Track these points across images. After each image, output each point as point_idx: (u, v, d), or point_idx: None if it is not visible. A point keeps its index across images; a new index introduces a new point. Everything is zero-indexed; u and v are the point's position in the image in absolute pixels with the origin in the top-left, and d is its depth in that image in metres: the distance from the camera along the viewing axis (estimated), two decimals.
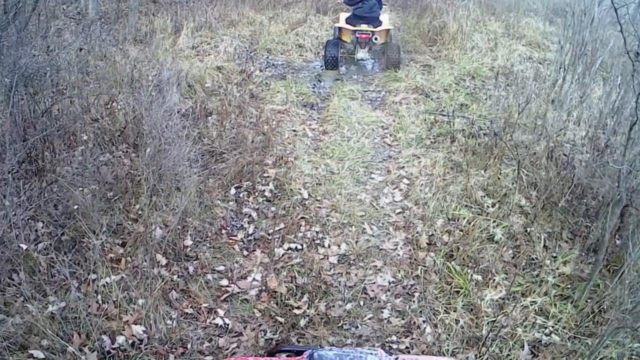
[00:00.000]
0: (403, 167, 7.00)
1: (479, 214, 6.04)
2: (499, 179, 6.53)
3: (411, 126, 7.95)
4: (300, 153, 7.15)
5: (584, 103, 8.22)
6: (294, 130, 7.71)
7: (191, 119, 7.53)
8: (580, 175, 6.20)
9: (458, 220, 5.97)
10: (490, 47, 11.18)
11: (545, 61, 10.70)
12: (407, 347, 4.59)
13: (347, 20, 10.16)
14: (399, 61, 10.22)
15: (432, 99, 8.87)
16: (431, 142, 7.58)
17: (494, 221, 5.89)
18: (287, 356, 2.62)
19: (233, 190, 6.34)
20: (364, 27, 10.07)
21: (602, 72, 9.26)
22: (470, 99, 8.91)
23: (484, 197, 6.30)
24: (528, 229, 5.82)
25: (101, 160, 6.23)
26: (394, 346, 4.63)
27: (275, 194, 6.37)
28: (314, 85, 9.58)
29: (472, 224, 5.83)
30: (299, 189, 6.40)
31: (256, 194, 6.36)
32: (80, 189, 5.56)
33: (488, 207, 6.16)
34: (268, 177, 6.59)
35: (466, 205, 6.18)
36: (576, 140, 7.16)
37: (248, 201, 6.24)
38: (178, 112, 7.61)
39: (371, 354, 1.99)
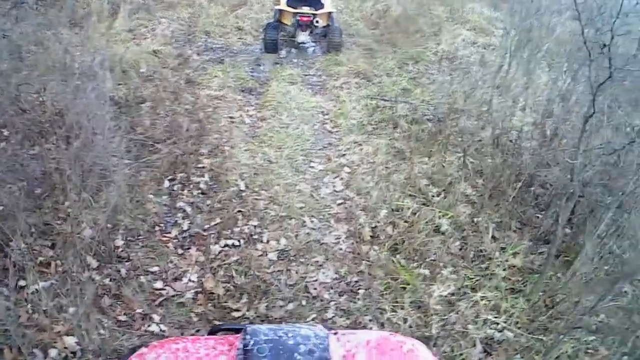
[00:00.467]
0: (344, 154, 6.65)
1: (424, 204, 5.78)
2: (443, 167, 6.25)
3: (352, 112, 7.59)
4: (237, 141, 6.73)
5: (529, 89, 7.95)
6: (231, 117, 7.26)
7: (124, 106, 7.01)
8: (528, 163, 5.95)
9: (402, 210, 5.69)
10: (434, 31, 10.86)
11: (489, 46, 10.43)
12: None
13: (288, 3, 9.65)
14: (341, 44, 9.80)
15: (374, 84, 8.53)
16: (373, 128, 7.25)
17: (440, 211, 5.64)
18: (226, 334, 2.48)
19: (167, 183, 5.91)
20: (305, 9, 9.58)
21: (547, 59, 8.98)
22: (413, 83, 8.59)
23: (429, 185, 6.04)
24: (475, 219, 5.61)
25: (31, 154, 5.78)
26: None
27: (210, 186, 5.96)
28: (253, 69, 9.11)
29: (416, 214, 5.58)
30: (236, 180, 6.00)
31: (191, 186, 5.94)
32: (9, 186, 5.14)
33: (433, 196, 5.91)
34: (203, 167, 6.16)
35: (410, 195, 5.90)
36: (522, 127, 6.89)
37: (182, 194, 5.81)
38: (111, 99, 7.08)
39: (308, 328, 1.97)
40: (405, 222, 5.53)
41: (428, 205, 5.76)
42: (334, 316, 4.57)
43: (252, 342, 1.95)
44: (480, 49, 10.17)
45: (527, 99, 7.69)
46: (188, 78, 8.29)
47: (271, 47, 9.71)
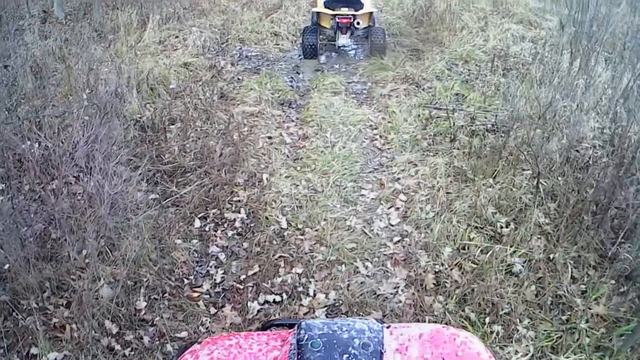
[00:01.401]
0: (398, 178, 5.59)
1: (492, 238, 4.75)
2: (511, 189, 5.15)
3: (404, 124, 6.51)
4: (277, 166, 5.72)
5: (591, 88, 6.79)
6: (269, 137, 6.25)
7: (150, 130, 6.07)
8: (601, 180, 4.87)
9: (469, 248, 4.61)
10: (481, 26, 9.67)
11: (540, 40, 9.21)
12: None
13: (326, 4, 8.59)
14: (385, 47, 8.68)
15: (424, 90, 7.42)
16: (428, 143, 6.16)
17: (511, 246, 4.59)
18: (279, 330, 2.34)
19: (197, 223, 4.96)
20: (344, 10, 8.51)
21: (604, 54, 7.80)
22: (466, 87, 7.48)
23: (496, 214, 5.00)
24: (551, 255, 4.53)
25: (50, 190, 4.82)
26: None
27: (247, 224, 4.99)
28: (292, 78, 8.10)
29: (485, 252, 4.50)
30: (276, 217, 5.01)
31: (225, 225, 4.97)
32: (25, 228, 4.38)
33: (502, 227, 4.87)
34: (239, 201, 5.19)
35: (476, 227, 4.86)
36: (588, 135, 5.76)
37: (215, 236, 4.85)
38: (136, 122, 6.15)
39: (362, 322, 1.86)
40: (474, 263, 4.49)
41: (497, 240, 4.74)
42: None
43: (306, 337, 1.81)
44: (531, 45, 8.94)
45: (589, 100, 6.57)
46: (221, 92, 7.33)
47: (310, 52, 8.70)
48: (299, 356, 1.78)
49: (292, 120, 6.80)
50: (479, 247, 4.60)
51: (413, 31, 9.84)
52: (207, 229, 4.94)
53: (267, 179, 5.45)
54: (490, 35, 9.29)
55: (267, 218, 4.98)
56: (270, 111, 6.83)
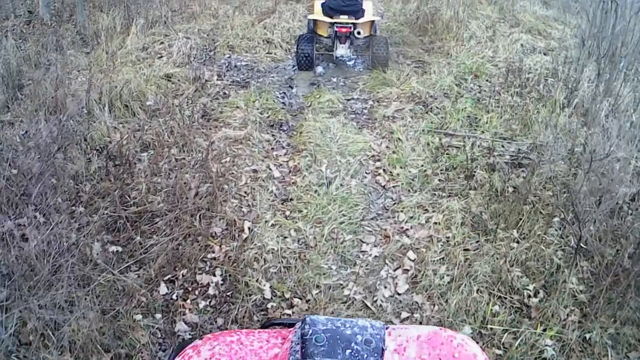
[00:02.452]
0: (406, 229, 4.44)
1: (518, 311, 3.75)
2: (538, 244, 4.04)
3: (411, 155, 5.38)
4: (262, 211, 4.59)
5: (614, 113, 5.72)
6: (254, 171, 5.11)
7: (117, 159, 4.93)
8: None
9: (492, 327, 3.51)
10: (489, 36, 8.53)
11: (551, 51, 8.08)
12: None
13: (324, 11, 7.39)
14: (387, 58, 7.54)
15: (432, 110, 6.28)
16: (440, 180, 5.04)
17: (541, 323, 3.59)
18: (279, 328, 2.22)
19: (163, 288, 3.83)
20: (343, 18, 7.30)
21: (627, 71, 6.72)
22: (478, 107, 6.33)
23: (523, 278, 3.94)
24: (587, 335, 3.52)
25: None
26: None
27: (223, 292, 3.89)
28: (283, 94, 6.94)
29: (512, 333, 3.51)
30: (259, 282, 3.86)
31: (196, 292, 3.87)
32: None
33: (530, 296, 3.82)
34: (214, 259, 4.07)
35: (500, 297, 3.77)
36: (614, 166, 4.69)
37: (184, 307, 3.75)
38: (100, 152, 5.02)
39: (365, 320, 1.86)
40: (498, 348, 3.46)
41: (525, 315, 3.71)
42: None
43: (310, 332, 1.76)
44: (544, 58, 7.79)
45: (612, 125, 5.48)
46: (204, 110, 6.16)
47: (305, 63, 7.55)
48: (303, 350, 1.72)
49: (282, 147, 5.65)
50: (504, 325, 3.52)
51: (417, 40, 8.66)
52: (174, 296, 3.82)
53: (249, 228, 4.33)
54: (500, 46, 8.19)
55: (246, 284, 3.87)
56: (258, 136, 5.68)
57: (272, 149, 5.59)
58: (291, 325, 2.15)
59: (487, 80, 7.18)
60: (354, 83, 7.32)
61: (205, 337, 1.98)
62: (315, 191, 4.84)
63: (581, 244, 3.90)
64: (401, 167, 5.21)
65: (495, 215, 4.51)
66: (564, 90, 6.20)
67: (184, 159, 5.15)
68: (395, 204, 4.78)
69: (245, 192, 4.77)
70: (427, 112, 6.24)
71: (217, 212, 4.43)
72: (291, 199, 4.78)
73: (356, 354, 1.71)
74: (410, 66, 7.60)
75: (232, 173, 4.97)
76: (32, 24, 8.81)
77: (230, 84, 6.98)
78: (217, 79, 7.09)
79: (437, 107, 6.34)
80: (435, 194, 4.85)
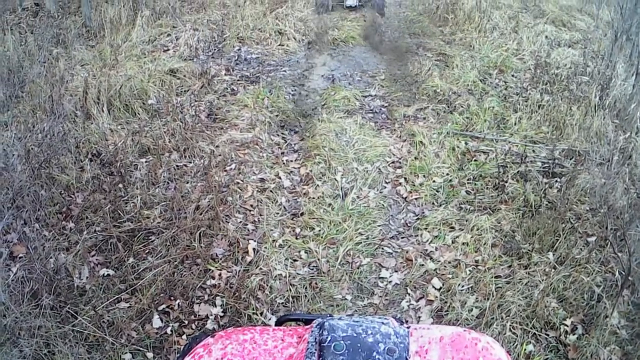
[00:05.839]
0: (430, 252, 3.84)
1: (555, 350, 3.21)
2: (577, 271, 3.43)
3: (435, 162, 4.74)
4: (269, 228, 3.99)
5: None
6: (262, 180, 4.50)
7: (113, 167, 4.38)
8: None
9: None
10: (512, 27, 7.86)
11: (576, 44, 7.41)
12: None
13: None
14: (383, 6, 8.79)
15: (455, 109, 5.64)
16: (467, 192, 4.43)
17: None
18: (296, 325, 2.07)
19: (156, 321, 3.26)
20: None
21: None
22: (505, 106, 5.70)
23: (560, 311, 3.37)
24: None
25: None
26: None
27: (223, 326, 3.27)
28: (295, 89, 6.35)
29: None
30: (263, 316, 3.28)
31: (193, 325, 3.31)
32: None
33: (567, 333, 3.26)
34: (214, 286, 3.52)
35: (535, 334, 3.25)
36: None
37: (179, 345, 3.21)
38: (94, 158, 4.48)
39: (383, 323, 1.63)
40: None
41: (562, 355, 3.18)
42: None
43: (329, 338, 1.56)
44: (571, 51, 7.12)
45: None
46: (210, 109, 5.56)
47: (323, 9, 8.67)
48: (320, 359, 1.53)
49: (294, 151, 5.06)
50: None
51: (437, 31, 8.01)
52: (168, 330, 3.25)
53: (254, 249, 3.75)
54: (524, 38, 7.53)
55: (249, 318, 3.27)
56: (267, 139, 5.10)
57: (282, 153, 5.01)
58: (307, 321, 1.96)
59: (512, 76, 6.55)
60: (371, 78, 6.69)
61: (217, 334, 1.76)
62: (329, 205, 4.25)
63: (629, 277, 3.31)
64: (424, 176, 4.62)
65: (528, 233, 3.92)
66: (597, 90, 5.54)
67: (185, 165, 4.60)
68: (418, 219, 4.19)
69: (251, 206, 4.20)
70: (451, 112, 5.62)
71: (219, 230, 3.85)
72: (302, 214, 4.20)
73: None
74: (431, 59, 6.94)
75: (237, 183, 4.39)
76: (38, 16, 8.25)
77: (239, 80, 6.38)
78: (225, 74, 6.50)
79: (461, 106, 5.72)
80: (462, 208, 4.25)
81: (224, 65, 6.72)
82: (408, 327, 1.76)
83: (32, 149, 4.37)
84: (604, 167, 4.55)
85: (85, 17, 7.94)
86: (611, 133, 5.07)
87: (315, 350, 1.58)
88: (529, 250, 3.78)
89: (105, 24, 7.53)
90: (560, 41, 7.62)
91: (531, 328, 3.26)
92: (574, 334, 3.24)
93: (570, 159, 4.78)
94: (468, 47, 7.34)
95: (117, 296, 3.42)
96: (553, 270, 3.61)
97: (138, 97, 5.62)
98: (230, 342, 1.72)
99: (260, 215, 4.12)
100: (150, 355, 3.13)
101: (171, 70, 6.33)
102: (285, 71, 6.81)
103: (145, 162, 4.62)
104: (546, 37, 7.73)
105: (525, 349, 3.15)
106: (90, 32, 7.65)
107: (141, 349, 3.16)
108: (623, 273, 3.33)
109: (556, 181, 4.50)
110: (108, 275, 3.60)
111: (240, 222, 4.03)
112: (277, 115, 5.60)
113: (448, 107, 5.73)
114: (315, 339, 1.61)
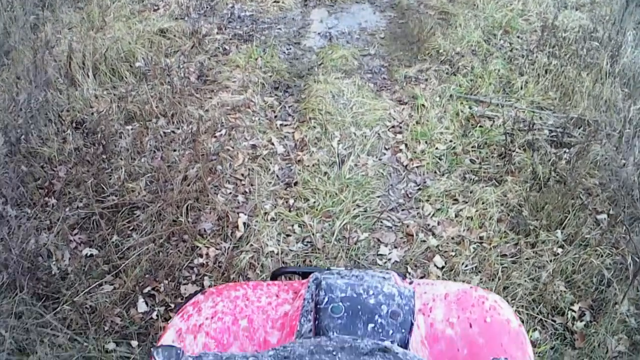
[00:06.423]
0: (432, 226, 3.57)
1: (561, 337, 3.01)
2: (586, 252, 3.18)
3: (438, 127, 4.43)
4: (261, 199, 3.70)
5: None
6: (253, 146, 4.18)
7: (96, 135, 4.08)
8: None
9: None
10: None
11: (582, 7, 6.99)
12: None
13: None
14: None
15: (459, 70, 5.29)
16: (471, 160, 4.13)
17: (587, 355, 2.86)
18: (291, 278, 2.09)
19: (141, 305, 3.01)
20: None
21: None
22: (510, 69, 5.35)
23: (567, 294, 3.15)
24: None
25: None
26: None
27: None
28: (290, 49, 5.99)
29: None
30: None
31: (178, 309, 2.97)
32: None
33: (575, 319, 3.05)
34: (202, 265, 3.23)
35: (541, 320, 3.05)
36: None
37: (165, 332, 2.85)
38: (80, 125, 4.19)
39: (384, 277, 1.53)
40: None
41: (568, 343, 2.96)
42: None
43: (326, 299, 1.40)
44: (576, 13, 6.72)
45: None
46: (200, 70, 5.22)
47: None
48: (317, 322, 1.39)
49: (288, 114, 4.75)
50: (544, 358, 2.77)
51: None
52: (154, 315, 2.99)
53: (244, 224, 3.47)
54: None
55: None
56: (259, 101, 4.76)
57: (276, 116, 4.69)
58: (304, 275, 1.85)
59: (518, 37, 6.17)
60: (370, 36, 6.30)
61: (208, 291, 1.69)
62: (325, 173, 3.97)
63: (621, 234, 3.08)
64: (426, 143, 4.31)
65: (536, 208, 3.65)
66: (608, 56, 5.20)
67: (173, 132, 4.30)
68: (419, 190, 3.91)
69: (242, 175, 3.92)
70: (454, 74, 5.29)
71: (208, 203, 3.57)
72: (296, 183, 3.91)
73: (380, 330, 1.36)
74: (433, 18, 6.55)
75: (228, 150, 4.09)
76: None
77: (231, 38, 6.01)
78: (218, 32, 6.12)
79: (464, 67, 5.38)
80: (466, 178, 3.97)
81: (216, 24, 6.33)
82: (411, 283, 1.66)
83: (11, 122, 4.07)
84: (614, 139, 4.26)
85: None
86: (621, 102, 4.77)
87: (312, 309, 1.46)
88: (536, 227, 3.51)
89: None
90: (567, 3, 7.20)
91: (538, 313, 3.04)
92: (581, 321, 3.03)
93: (579, 128, 4.48)
94: (472, 6, 6.91)
95: (100, 280, 3.16)
96: (561, 250, 3.36)
97: (125, 60, 5.26)
98: (222, 299, 1.62)
99: (252, 185, 3.84)
100: (135, 343, 2.89)
101: (160, 31, 5.94)
102: (280, 29, 6.42)
103: (131, 129, 4.32)
104: None
105: (531, 336, 2.91)
106: None
107: (126, 336, 2.93)
108: (637, 260, 3.07)
109: (565, 152, 4.21)
110: (91, 255, 3.37)
111: (230, 193, 3.75)
112: (270, 76, 5.26)
113: (451, 68, 5.39)
114: (312, 296, 1.48)
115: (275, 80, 5.23)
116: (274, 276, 2.06)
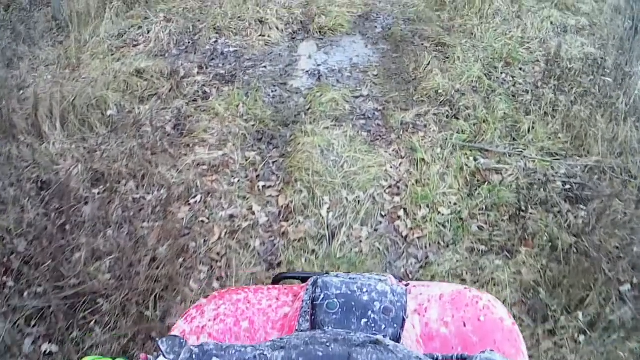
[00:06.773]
0: None
1: None
2: (608, 330, 2.74)
3: (440, 187, 3.94)
4: (239, 285, 3.17)
5: None
6: (232, 218, 3.68)
7: (57, 198, 3.59)
8: None
9: None
10: (515, 12, 6.94)
11: (582, 30, 6.56)
12: None
13: None
14: None
15: (460, 112, 4.82)
16: (479, 227, 3.62)
17: None
18: (291, 283, 1.93)
19: None
20: None
21: None
22: (515, 108, 4.90)
23: None
24: None
25: None
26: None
27: None
28: (275, 91, 5.49)
29: None
30: None
31: None
32: None
33: None
34: None
35: None
36: None
37: None
38: (44, 187, 3.70)
39: (380, 280, 1.54)
40: None
41: None
42: None
43: (322, 296, 1.44)
44: (578, 38, 6.29)
45: None
46: (177, 119, 4.72)
47: None
48: (313, 317, 1.42)
49: (272, 173, 4.24)
50: None
51: (434, 16, 7.08)
52: None
53: None
54: (528, 24, 6.63)
55: None
56: (239, 159, 4.26)
57: (258, 176, 4.18)
58: (304, 279, 1.84)
59: (520, 69, 5.72)
60: (363, 73, 5.81)
61: (211, 295, 1.64)
62: (313, 251, 3.45)
63: None
64: (427, 207, 3.82)
65: (553, 283, 3.15)
66: (622, 93, 4.74)
67: (142, 198, 3.79)
68: (421, 267, 3.41)
69: (218, 254, 3.41)
70: (455, 117, 4.81)
71: (179, 291, 3.06)
72: (279, 264, 3.40)
73: (373, 324, 1.35)
74: (430, 50, 6.07)
75: (202, 222, 3.58)
76: (10, 9, 7.32)
77: (212, 80, 5.52)
78: (198, 72, 5.64)
79: (466, 108, 4.91)
80: (473, 251, 3.46)
81: (197, 62, 5.85)
82: (407, 285, 1.67)
83: None
84: (632, 190, 3.79)
85: (55, 10, 7.01)
86: (636, 143, 4.30)
87: (310, 309, 1.46)
88: (555, 310, 3.02)
89: (74, 16, 6.62)
90: (567, 27, 6.75)
91: None
92: None
93: (595, 176, 4.00)
94: (469, 35, 6.47)
95: None
96: (583, 336, 2.87)
97: (97, 107, 4.79)
98: (224, 302, 1.63)
99: (229, 267, 3.32)
100: None
101: (137, 71, 5.48)
102: (265, 67, 5.92)
103: (98, 194, 3.82)
104: (551, 22, 6.86)
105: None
106: (59, 26, 6.75)
107: None
108: None
109: (581, 209, 3.72)
110: (51, 353, 2.85)
111: (204, 278, 3.24)
112: (253, 125, 4.76)
113: (451, 110, 4.91)
114: (310, 296, 1.48)
115: (258, 131, 4.73)
116: (275, 281, 2.09)
